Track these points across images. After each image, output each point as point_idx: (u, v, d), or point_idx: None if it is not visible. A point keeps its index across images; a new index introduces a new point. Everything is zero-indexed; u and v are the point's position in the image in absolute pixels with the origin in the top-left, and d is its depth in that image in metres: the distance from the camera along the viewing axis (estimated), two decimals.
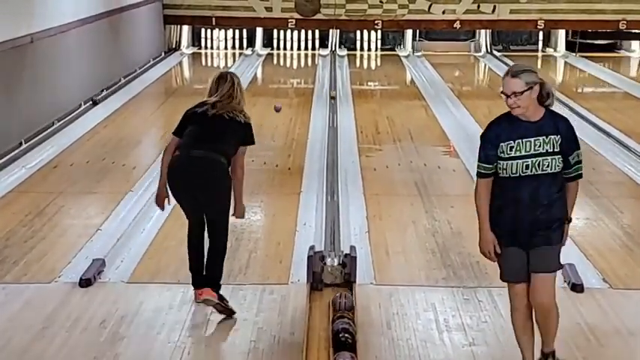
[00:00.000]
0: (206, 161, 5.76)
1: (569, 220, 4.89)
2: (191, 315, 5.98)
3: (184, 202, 5.93)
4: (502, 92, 4.76)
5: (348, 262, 6.51)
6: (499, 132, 4.81)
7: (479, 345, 5.59)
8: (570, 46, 20.04)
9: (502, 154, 4.76)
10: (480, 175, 4.88)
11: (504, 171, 4.78)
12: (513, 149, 4.74)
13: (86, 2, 13.74)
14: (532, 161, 4.73)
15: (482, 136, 4.90)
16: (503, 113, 4.91)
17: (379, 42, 20.52)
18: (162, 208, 6.07)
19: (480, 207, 4.89)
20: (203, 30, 20.30)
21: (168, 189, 5.91)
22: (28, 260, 6.99)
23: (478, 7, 18.95)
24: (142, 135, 12.10)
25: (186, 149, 5.82)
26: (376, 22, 19.02)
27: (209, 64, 19.41)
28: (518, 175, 4.75)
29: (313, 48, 20.33)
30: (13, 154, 10.15)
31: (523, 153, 4.74)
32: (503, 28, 19.94)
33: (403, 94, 15.65)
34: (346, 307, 5.89)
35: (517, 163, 4.74)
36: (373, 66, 19.50)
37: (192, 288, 6.02)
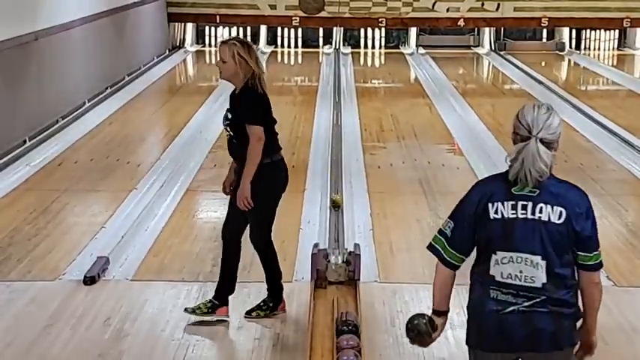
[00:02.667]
0: None
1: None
2: None
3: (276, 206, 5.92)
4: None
5: (352, 259, 6.50)
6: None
7: None
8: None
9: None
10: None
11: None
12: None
13: (90, 0, 13.75)
14: None
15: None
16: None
17: (383, 40, 20.54)
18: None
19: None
20: (207, 28, 20.32)
21: (272, 189, 5.80)
22: (33, 258, 6.99)
23: (482, 4, 18.94)
24: (146, 132, 12.11)
25: (279, 150, 5.84)
26: (380, 20, 19.02)
27: (213, 61, 19.37)
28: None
29: (317, 46, 20.34)
30: (17, 151, 10.15)
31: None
32: (507, 26, 19.95)
33: (407, 92, 15.64)
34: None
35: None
36: (377, 64, 19.50)
37: (280, 301, 5.98)
